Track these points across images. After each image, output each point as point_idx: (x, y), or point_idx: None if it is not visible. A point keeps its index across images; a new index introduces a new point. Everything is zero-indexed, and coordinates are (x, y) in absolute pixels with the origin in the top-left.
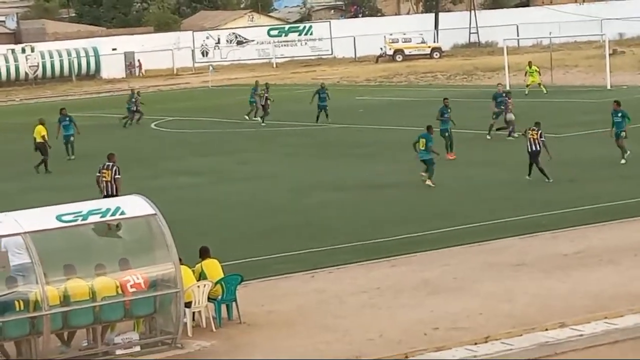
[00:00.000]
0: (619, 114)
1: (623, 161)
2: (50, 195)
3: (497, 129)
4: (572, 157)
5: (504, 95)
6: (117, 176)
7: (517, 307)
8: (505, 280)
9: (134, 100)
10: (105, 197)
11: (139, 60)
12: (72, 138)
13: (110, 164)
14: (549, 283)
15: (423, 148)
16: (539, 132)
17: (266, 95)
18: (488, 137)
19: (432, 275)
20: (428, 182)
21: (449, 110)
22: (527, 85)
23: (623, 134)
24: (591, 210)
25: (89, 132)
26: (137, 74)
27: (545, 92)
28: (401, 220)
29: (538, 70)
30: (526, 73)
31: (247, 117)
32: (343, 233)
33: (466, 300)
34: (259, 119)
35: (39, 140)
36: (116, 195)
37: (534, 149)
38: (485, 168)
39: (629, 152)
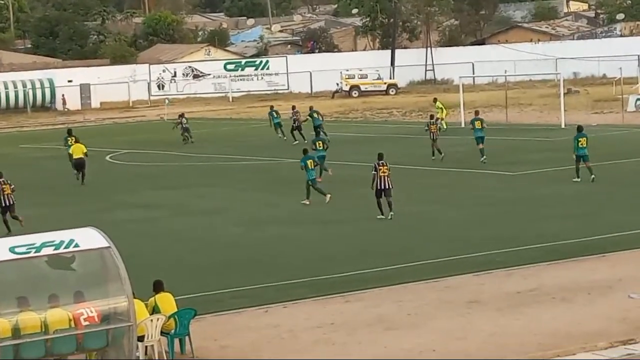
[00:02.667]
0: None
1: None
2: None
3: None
4: (525, 195)
5: None
6: (12, 186)
7: (471, 345)
8: (459, 317)
9: (180, 122)
10: (5, 207)
11: (62, 95)
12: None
13: (4, 179)
14: (502, 320)
15: (480, 127)
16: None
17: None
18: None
19: (386, 311)
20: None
21: None
22: (442, 120)
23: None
24: (544, 248)
25: (43, 163)
26: (62, 109)
27: (445, 128)
28: (355, 256)
29: (442, 107)
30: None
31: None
32: (297, 268)
33: (420, 337)
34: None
35: (79, 156)
36: (13, 205)
37: (386, 186)
38: (437, 205)
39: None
